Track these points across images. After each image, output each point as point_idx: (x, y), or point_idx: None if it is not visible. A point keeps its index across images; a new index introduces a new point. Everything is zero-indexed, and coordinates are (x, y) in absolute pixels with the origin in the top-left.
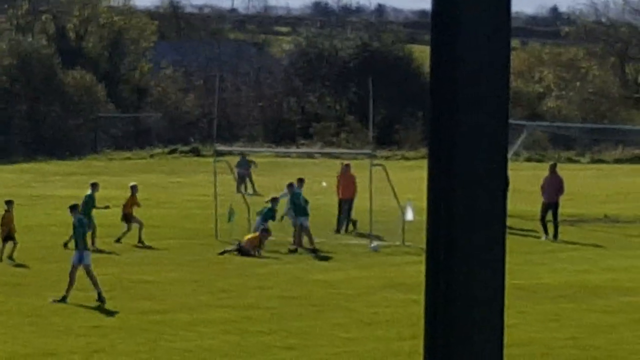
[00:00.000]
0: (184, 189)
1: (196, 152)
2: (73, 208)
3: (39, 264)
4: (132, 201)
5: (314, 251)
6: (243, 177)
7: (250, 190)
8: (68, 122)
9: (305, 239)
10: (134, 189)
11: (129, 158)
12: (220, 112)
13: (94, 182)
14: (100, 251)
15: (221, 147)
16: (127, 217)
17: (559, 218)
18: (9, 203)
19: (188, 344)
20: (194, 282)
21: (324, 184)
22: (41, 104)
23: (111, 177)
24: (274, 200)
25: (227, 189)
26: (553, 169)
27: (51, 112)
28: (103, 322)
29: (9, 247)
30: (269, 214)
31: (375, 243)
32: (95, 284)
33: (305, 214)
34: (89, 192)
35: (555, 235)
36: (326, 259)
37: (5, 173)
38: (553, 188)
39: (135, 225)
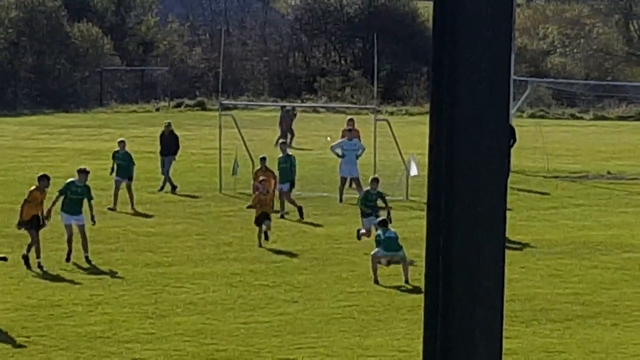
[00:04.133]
0: (189, 143)
1: (201, 106)
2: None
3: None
4: None
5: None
6: (286, 129)
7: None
8: (74, 74)
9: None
10: None
11: (134, 111)
12: (225, 66)
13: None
14: (113, 209)
15: (226, 101)
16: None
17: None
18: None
19: (192, 296)
20: (198, 235)
21: (329, 138)
22: (47, 57)
23: (116, 130)
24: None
25: (231, 143)
26: None
27: (57, 65)
28: (108, 274)
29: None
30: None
31: (363, 230)
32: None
33: (287, 180)
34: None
35: None
36: (330, 213)
37: (11, 125)
38: None
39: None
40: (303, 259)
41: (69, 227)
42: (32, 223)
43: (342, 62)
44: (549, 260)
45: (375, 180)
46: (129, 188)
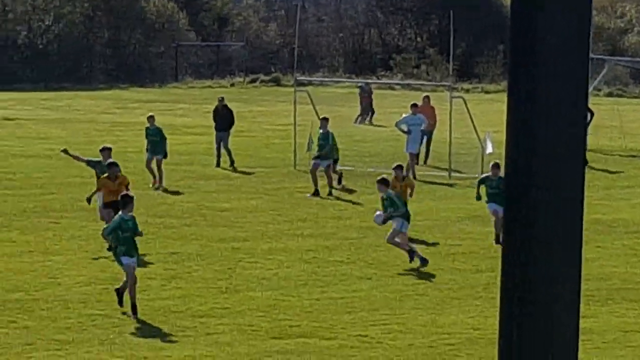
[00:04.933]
0: (264, 118)
1: (276, 82)
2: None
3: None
4: None
5: (331, 193)
6: (367, 105)
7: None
8: (149, 49)
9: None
10: None
11: (209, 87)
12: (301, 42)
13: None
14: (158, 188)
15: (302, 77)
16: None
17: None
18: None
19: (266, 272)
20: (272, 211)
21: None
22: (122, 32)
23: (191, 105)
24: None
25: (306, 119)
26: None
27: (132, 40)
28: (181, 248)
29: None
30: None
31: (379, 212)
32: None
33: (327, 157)
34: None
35: None
36: None
37: (86, 99)
38: None
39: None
40: (377, 235)
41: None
42: (112, 206)
43: (418, 39)
44: (626, 240)
45: (496, 166)
46: (159, 164)
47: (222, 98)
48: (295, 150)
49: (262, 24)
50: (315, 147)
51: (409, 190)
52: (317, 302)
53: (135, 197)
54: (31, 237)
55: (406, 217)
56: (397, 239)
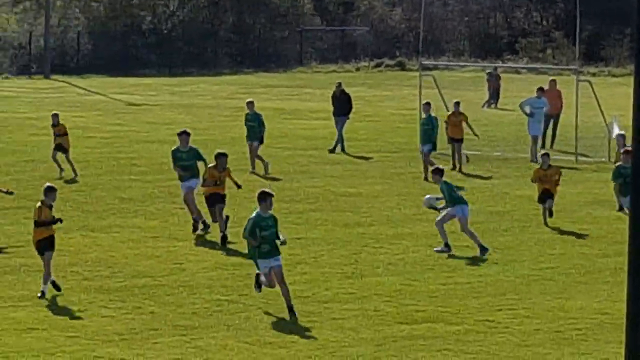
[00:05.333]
0: (389, 103)
1: (401, 66)
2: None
3: (245, 175)
4: None
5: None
6: (494, 90)
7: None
8: (274, 34)
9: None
10: None
11: (334, 71)
12: (426, 26)
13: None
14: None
15: (427, 62)
16: None
17: None
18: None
19: (391, 257)
20: (398, 196)
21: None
22: (247, 16)
23: (316, 89)
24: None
25: (432, 103)
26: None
27: (257, 25)
28: (307, 234)
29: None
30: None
31: (428, 196)
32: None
33: (429, 141)
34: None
35: None
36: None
37: (210, 85)
38: None
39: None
40: (504, 220)
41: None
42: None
43: (544, 22)
44: None
45: (628, 152)
46: (255, 150)
47: (340, 83)
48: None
49: (386, 8)
50: (441, 132)
51: (556, 177)
52: (443, 287)
53: (273, 195)
54: (156, 222)
55: (458, 204)
56: (443, 226)
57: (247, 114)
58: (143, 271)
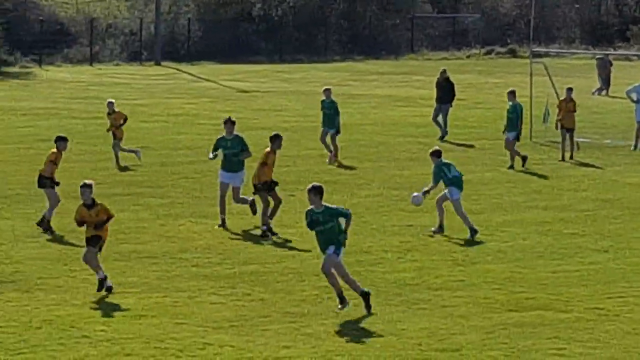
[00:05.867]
0: (499, 90)
1: (512, 53)
2: None
3: (355, 162)
4: None
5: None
6: (606, 78)
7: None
8: (385, 21)
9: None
10: None
11: (445, 58)
12: (537, 13)
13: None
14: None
15: (537, 49)
16: None
17: None
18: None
19: (501, 244)
20: (508, 183)
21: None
22: (358, 3)
23: (426, 77)
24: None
25: (542, 91)
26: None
27: (368, 12)
28: (417, 221)
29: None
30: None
31: (416, 193)
32: None
33: (513, 129)
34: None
35: None
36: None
37: (321, 72)
38: None
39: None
40: (614, 208)
41: (222, 186)
42: (265, 186)
43: None
44: None
45: None
46: (332, 138)
47: (444, 70)
48: (531, 122)
49: None
50: (552, 120)
51: None
52: (552, 274)
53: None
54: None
55: (455, 185)
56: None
57: (323, 101)
58: (253, 258)
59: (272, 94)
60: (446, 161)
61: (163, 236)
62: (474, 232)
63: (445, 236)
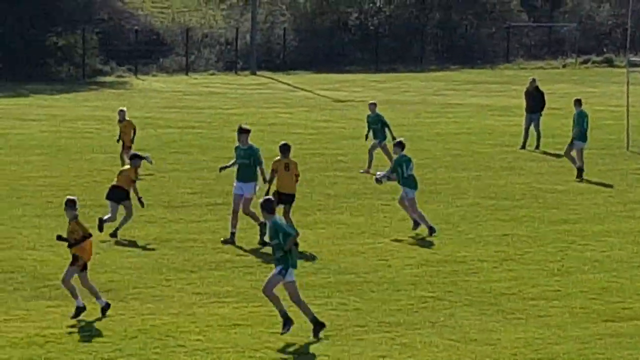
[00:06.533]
0: (595, 100)
1: (609, 63)
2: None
3: (451, 171)
4: None
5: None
6: None
7: None
8: (480, 31)
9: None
10: None
11: (540, 68)
12: (634, 23)
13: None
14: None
15: (635, 58)
16: None
17: None
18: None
19: (597, 254)
20: (605, 193)
21: None
22: (454, 13)
23: (522, 86)
24: None
25: (639, 100)
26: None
27: (464, 21)
28: (513, 230)
29: None
30: None
31: (379, 173)
32: None
33: (583, 139)
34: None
35: None
36: None
37: (417, 81)
38: None
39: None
40: None
41: (235, 197)
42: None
43: None
44: None
45: None
46: (384, 148)
47: (534, 80)
48: (628, 132)
49: (594, 4)
50: None
51: None
52: None
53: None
54: (362, 219)
55: (408, 186)
56: (406, 205)
57: (368, 116)
58: (349, 267)
59: (368, 104)
60: (408, 156)
61: (258, 245)
62: (431, 230)
63: (541, 246)
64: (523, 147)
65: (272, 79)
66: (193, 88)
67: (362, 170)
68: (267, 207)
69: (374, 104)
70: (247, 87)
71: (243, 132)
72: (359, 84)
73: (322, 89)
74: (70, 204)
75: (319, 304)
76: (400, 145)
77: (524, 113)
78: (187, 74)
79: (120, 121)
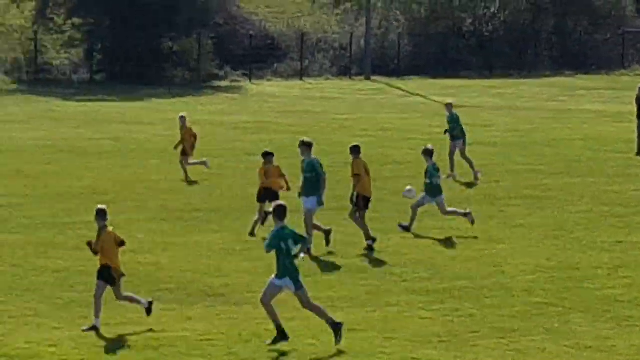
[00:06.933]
0: None
1: None
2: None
3: (565, 177)
4: None
5: None
6: None
7: None
8: (595, 36)
9: None
10: None
11: None
12: None
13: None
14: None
15: None
16: None
17: None
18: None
19: None
20: None
21: None
22: (568, 19)
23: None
24: None
25: None
26: None
27: (578, 27)
28: (627, 237)
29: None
30: None
31: (408, 187)
32: None
33: None
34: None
35: None
36: None
37: (533, 87)
38: None
39: None
40: None
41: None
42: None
43: None
44: None
45: None
46: (462, 153)
47: None
48: None
49: None
50: None
51: None
52: None
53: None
54: (476, 225)
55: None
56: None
57: (447, 116)
58: (463, 273)
59: (482, 109)
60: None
61: (372, 250)
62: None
63: None
64: (638, 153)
65: (387, 84)
66: (307, 93)
67: (445, 176)
68: (278, 213)
69: (450, 104)
70: (361, 93)
71: (305, 145)
72: (473, 89)
73: (436, 95)
74: (101, 214)
75: (433, 309)
76: (428, 153)
77: (635, 120)
78: (301, 79)
79: (181, 128)
